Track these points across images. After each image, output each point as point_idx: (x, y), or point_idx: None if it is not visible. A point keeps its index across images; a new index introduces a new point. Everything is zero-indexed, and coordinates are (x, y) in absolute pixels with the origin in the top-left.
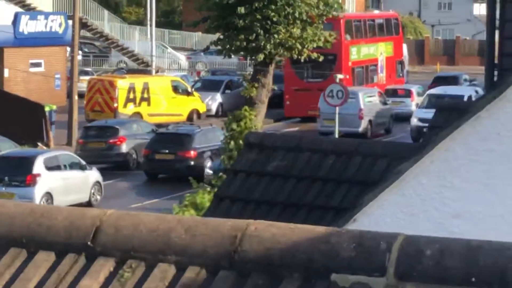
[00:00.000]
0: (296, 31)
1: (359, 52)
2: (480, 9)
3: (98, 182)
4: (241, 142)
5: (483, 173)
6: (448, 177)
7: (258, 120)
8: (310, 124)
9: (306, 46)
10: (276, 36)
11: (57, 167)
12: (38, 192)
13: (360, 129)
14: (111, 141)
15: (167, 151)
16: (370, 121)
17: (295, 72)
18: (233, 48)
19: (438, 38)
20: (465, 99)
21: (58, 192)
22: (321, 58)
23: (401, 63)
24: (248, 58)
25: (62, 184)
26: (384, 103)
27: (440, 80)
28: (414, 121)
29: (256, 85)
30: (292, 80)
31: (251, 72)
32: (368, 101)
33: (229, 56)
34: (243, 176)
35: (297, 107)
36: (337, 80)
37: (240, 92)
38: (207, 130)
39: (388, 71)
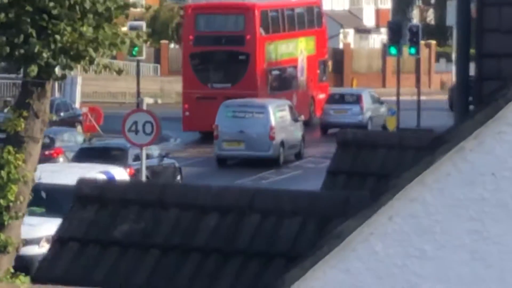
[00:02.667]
0: (88, 31)
1: (276, 50)
2: (334, 4)
3: None
4: (2, 202)
5: (470, 235)
6: (415, 241)
7: (29, 167)
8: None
9: (102, 53)
10: (57, 37)
11: None
12: None
13: (271, 153)
14: (46, 152)
15: None
16: (282, 142)
17: (196, 75)
18: None
19: None
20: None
21: None
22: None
23: (324, 63)
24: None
25: None
26: (295, 120)
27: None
28: None
29: (25, 113)
30: (192, 85)
31: (17, 94)
32: (280, 116)
33: None
34: (76, 248)
35: (198, 120)
36: (144, 106)
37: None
38: None
39: (310, 74)
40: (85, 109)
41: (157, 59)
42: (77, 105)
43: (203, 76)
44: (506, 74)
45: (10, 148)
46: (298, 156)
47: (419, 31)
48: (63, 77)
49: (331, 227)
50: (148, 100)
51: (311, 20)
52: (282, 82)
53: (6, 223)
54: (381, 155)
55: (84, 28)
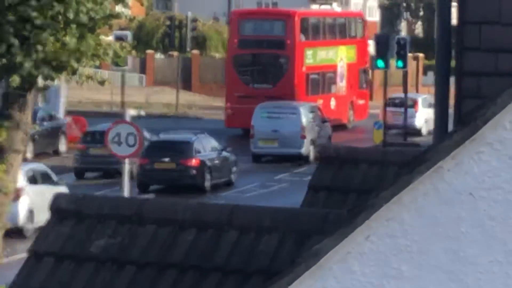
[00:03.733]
0: (71, 41)
1: (315, 55)
2: None
3: None
4: None
5: (446, 254)
6: (392, 261)
7: (10, 178)
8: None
9: (85, 63)
10: (40, 47)
11: (34, 181)
12: (22, 208)
13: (302, 150)
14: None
15: (167, 159)
16: (312, 141)
17: (239, 76)
18: None
19: None
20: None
21: (38, 209)
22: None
23: (365, 71)
24: None
25: (40, 200)
26: (323, 121)
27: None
28: None
29: (7, 124)
30: (235, 85)
31: None
32: (310, 117)
33: None
34: (52, 263)
35: (240, 118)
36: (128, 118)
37: None
38: (202, 137)
39: (350, 81)
40: (69, 119)
41: (142, 69)
42: (61, 114)
43: (245, 76)
44: (485, 93)
45: None
46: None
47: (407, 43)
48: (45, 87)
49: (309, 245)
50: (131, 112)
51: (352, 30)
52: (320, 86)
53: None
54: (363, 171)
55: (67, 39)
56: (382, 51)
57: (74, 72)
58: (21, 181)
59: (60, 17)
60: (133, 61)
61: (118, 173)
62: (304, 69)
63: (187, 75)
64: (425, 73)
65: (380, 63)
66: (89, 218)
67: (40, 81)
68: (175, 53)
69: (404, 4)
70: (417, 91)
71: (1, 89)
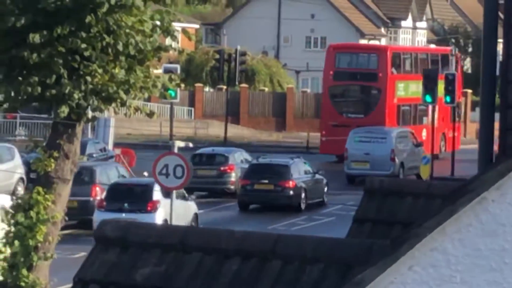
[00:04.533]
0: (120, 73)
1: (406, 88)
2: None
3: (196, 214)
4: (30, 242)
5: (490, 285)
6: None
7: (58, 208)
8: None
9: (133, 95)
10: (88, 79)
11: (168, 195)
12: (159, 219)
13: (392, 172)
14: (222, 168)
15: (266, 181)
16: (402, 163)
17: (333, 106)
18: (20, 97)
19: (306, 91)
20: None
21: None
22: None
23: (457, 105)
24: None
25: (173, 212)
26: (416, 145)
27: None
28: None
29: (55, 154)
30: (330, 114)
31: (48, 135)
32: (400, 141)
33: (14, 110)
34: None
35: (334, 144)
36: (176, 149)
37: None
38: (298, 161)
39: (441, 114)
40: (118, 151)
41: (191, 102)
42: (110, 146)
43: (339, 106)
44: None
45: (40, 188)
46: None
47: (455, 79)
48: (94, 119)
49: (352, 275)
50: (179, 144)
51: (444, 66)
52: (411, 117)
53: (34, 263)
54: (408, 203)
55: (116, 70)
56: (430, 86)
57: (123, 103)
58: (158, 194)
59: (109, 49)
60: (182, 94)
61: (224, 193)
62: (395, 100)
63: (235, 109)
64: (473, 108)
65: (428, 98)
66: (134, 246)
67: (89, 113)
68: (224, 87)
69: (453, 40)
70: (465, 126)
71: (50, 119)
